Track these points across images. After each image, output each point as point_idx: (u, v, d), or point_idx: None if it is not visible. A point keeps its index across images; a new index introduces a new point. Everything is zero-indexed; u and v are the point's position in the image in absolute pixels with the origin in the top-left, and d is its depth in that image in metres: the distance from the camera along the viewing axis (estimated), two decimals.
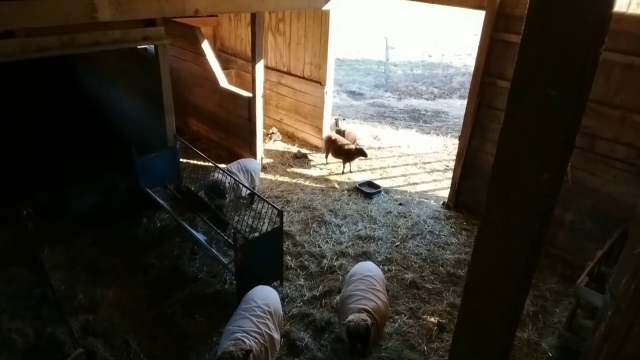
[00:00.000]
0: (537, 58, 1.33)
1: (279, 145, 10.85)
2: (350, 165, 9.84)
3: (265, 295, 5.16)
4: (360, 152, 9.47)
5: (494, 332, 1.83)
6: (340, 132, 10.39)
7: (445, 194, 8.92)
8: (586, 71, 1.32)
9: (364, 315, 4.89)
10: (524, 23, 1.34)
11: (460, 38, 24.22)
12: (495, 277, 1.72)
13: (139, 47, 7.61)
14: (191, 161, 9.36)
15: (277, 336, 4.89)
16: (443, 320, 6.01)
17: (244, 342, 4.40)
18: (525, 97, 1.40)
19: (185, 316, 5.85)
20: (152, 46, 7.39)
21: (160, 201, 7.52)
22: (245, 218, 7.55)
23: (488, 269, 1.74)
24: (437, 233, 7.85)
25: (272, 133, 10.87)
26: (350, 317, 4.86)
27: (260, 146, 9.44)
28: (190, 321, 5.79)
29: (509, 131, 1.46)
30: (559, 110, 1.36)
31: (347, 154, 9.54)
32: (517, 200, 1.54)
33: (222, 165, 7.89)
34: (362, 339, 4.84)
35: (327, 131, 10.55)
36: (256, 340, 4.54)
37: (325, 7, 9.03)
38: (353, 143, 9.96)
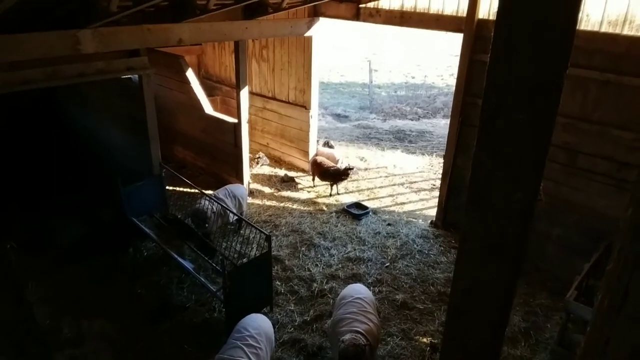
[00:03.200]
0: (504, 84, 1.38)
1: (265, 169, 10.88)
2: (337, 187, 9.88)
3: (258, 324, 5.10)
4: (347, 172, 9.53)
5: (479, 351, 1.84)
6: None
7: (432, 212, 8.97)
8: (552, 95, 1.37)
9: (357, 336, 4.84)
10: (490, 51, 1.39)
11: (441, 59, 24.70)
12: (477, 297, 1.74)
13: (123, 77, 7.65)
14: (178, 188, 9.33)
15: None
16: (435, 341, 5.98)
17: None
18: (495, 121, 1.44)
19: (174, 346, 5.76)
20: (136, 76, 7.43)
21: (147, 230, 7.45)
22: (233, 244, 7.51)
23: (469, 290, 1.75)
24: (426, 252, 7.87)
25: (259, 157, 10.91)
26: (343, 337, 4.80)
27: (247, 171, 9.46)
28: (179, 351, 5.69)
29: (482, 154, 1.50)
30: (527, 132, 1.40)
31: (334, 175, 9.59)
32: (493, 220, 1.57)
33: (209, 192, 7.88)
34: None
35: (314, 154, 10.64)
36: None
37: (307, 34, 9.20)
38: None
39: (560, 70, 1.31)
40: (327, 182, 9.89)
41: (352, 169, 9.68)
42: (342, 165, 9.89)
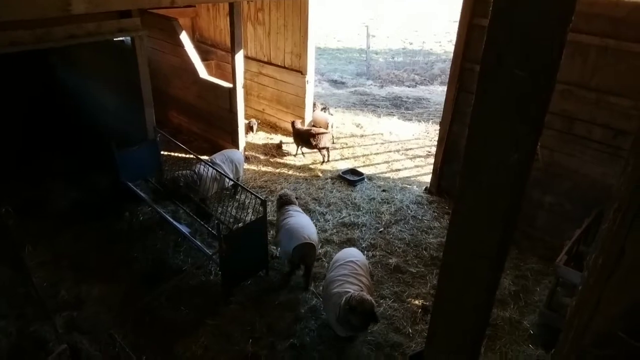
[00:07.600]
0: (505, 39, 1.35)
1: (261, 135, 10.81)
2: (328, 153, 9.75)
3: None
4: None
5: (470, 312, 1.87)
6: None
7: (427, 179, 9.00)
8: (553, 50, 1.34)
9: (362, 293, 4.90)
10: (492, 4, 1.36)
11: (440, 24, 24.30)
12: (470, 258, 1.75)
13: (115, 39, 7.48)
14: (173, 154, 9.29)
15: None
16: (427, 303, 6.10)
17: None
18: (494, 78, 1.42)
19: (171, 309, 5.85)
20: (129, 38, 7.27)
21: (142, 194, 7.46)
22: (229, 209, 7.53)
23: (462, 250, 1.77)
24: (420, 218, 7.94)
25: (251, 124, 10.79)
26: (353, 295, 4.84)
27: (243, 137, 9.39)
28: (176, 314, 5.79)
29: (479, 113, 1.49)
30: (527, 90, 1.38)
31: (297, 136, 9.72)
32: (489, 181, 1.56)
33: (204, 157, 7.84)
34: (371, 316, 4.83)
35: (310, 119, 10.60)
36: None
37: None
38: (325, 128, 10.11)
39: (563, 25, 1.28)
40: (323, 148, 9.76)
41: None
42: (331, 130, 9.96)
